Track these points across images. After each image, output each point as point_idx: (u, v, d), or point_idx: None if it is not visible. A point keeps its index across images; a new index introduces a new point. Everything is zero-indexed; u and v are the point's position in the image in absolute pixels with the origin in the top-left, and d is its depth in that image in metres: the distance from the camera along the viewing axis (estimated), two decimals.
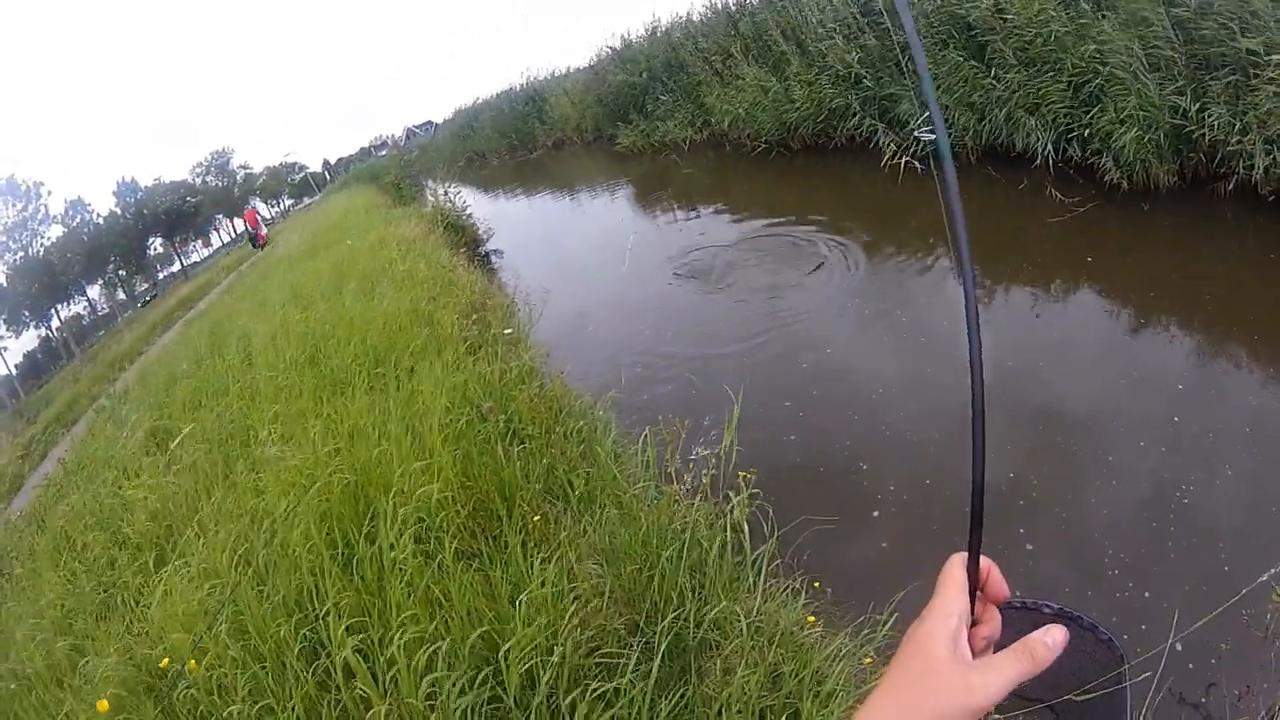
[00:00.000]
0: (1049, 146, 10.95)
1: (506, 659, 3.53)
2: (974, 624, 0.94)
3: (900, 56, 13.34)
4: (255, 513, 5.51)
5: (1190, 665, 3.52)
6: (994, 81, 11.87)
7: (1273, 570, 2.91)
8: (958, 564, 0.95)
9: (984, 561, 0.95)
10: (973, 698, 0.83)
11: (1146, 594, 4.65)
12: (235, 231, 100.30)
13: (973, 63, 12.38)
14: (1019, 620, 1.00)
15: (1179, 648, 3.00)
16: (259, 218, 54.80)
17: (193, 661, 4.02)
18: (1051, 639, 0.87)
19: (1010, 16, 11.65)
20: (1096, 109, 10.32)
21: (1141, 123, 9.57)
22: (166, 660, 4.11)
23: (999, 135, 11.92)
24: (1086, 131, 10.53)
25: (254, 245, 45.35)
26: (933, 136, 1.03)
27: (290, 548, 4.74)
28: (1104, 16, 10.36)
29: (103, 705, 3.90)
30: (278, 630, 4.08)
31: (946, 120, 13.36)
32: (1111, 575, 4.85)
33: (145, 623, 4.88)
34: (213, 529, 5.53)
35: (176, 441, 8.13)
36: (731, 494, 4.73)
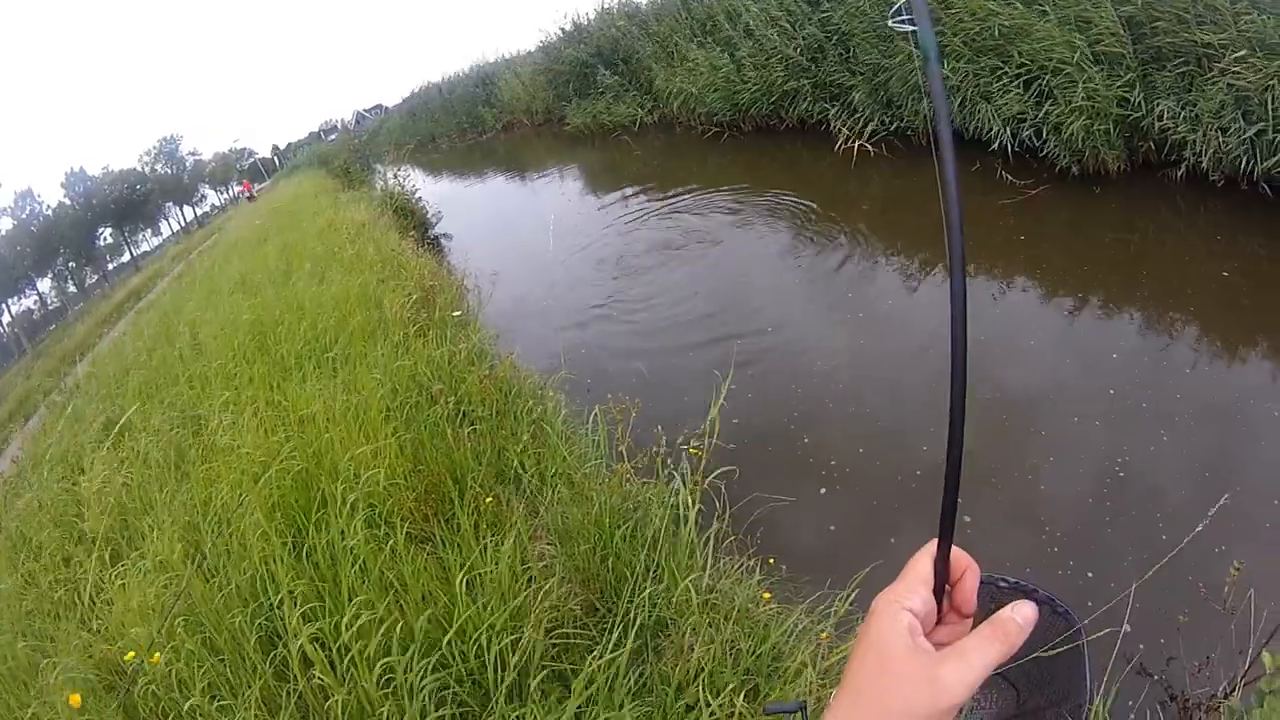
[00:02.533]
0: (1005, 131, 10.99)
1: (463, 642, 3.51)
2: (939, 621, 0.85)
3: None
4: (208, 503, 5.45)
5: (1149, 638, 3.54)
6: (948, 73, 11.81)
7: (1200, 526, 2.93)
8: (924, 555, 0.85)
9: (962, 558, 0.86)
10: (942, 695, 0.74)
11: (1095, 566, 4.72)
12: (185, 220, 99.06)
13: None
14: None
15: (1128, 628, 3.02)
16: (253, 186, 67.94)
17: (156, 656, 3.95)
18: (1022, 616, 0.79)
19: (955, 9, 11.64)
20: (1048, 102, 10.40)
21: (1089, 113, 9.70)
22: (132, 654, 4.02)
23: (953, 120, 11.79)
24: (1038, 119, 10.60)
25: (249, 200, 57.33)
26: (912, 28, 0.81)
27: (242, 537, 4.67)
28: (1044, 14, 10.46)
29: (75, 699, 3.86)
30: (233, 621, 4.02)
31: (898, 106, 13.47)
32: (1056, 549, 4.92)
33: (103, 620, 4.82)
34: (167, 521, 5.45)
35: (126, 433, 8.05)
36: (681, 473, 4.73)
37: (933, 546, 0.85)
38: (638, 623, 3.71)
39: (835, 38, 14.80)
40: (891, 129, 13.59)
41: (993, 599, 0.83)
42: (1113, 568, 4.66)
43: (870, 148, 13.38)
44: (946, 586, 0.85)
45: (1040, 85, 10.56)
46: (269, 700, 3.64)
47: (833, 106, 14.92)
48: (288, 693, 3.63)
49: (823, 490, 5.90)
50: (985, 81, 11.25)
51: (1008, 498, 5.42)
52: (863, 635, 0.81)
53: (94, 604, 5.20)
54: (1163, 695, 3.33)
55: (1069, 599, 4.37)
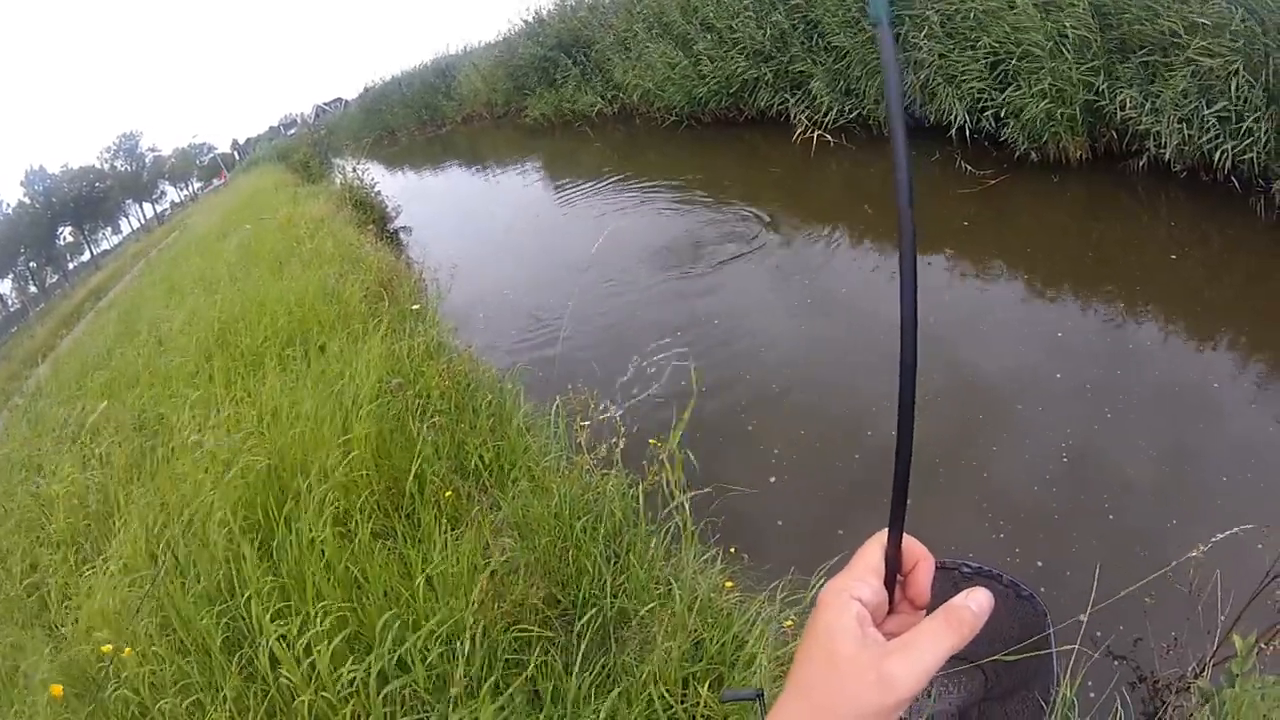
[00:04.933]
0: (964, 116, 11.03)
1: (426, 640, 3.50)
2: (890, 611, 0.80)
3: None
4: (173, 501, 5.41)
5: (1114, 620, 3.56)
6: (913, 51, 11.78)
7: (1205, 546, 2.94)
8: (875, 544, 0.80)
9: (915, 548, 0.81)
10: (890, 690, 0.69)
11: (1048, 550, 4.76)
12: (145, 218, 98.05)
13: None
14: (934, 583, 0.85)
15: (1090, 613, 3.04)
16: (227, 174, 72.21)
17: (129, 649, 3.91)
18: (976, 603, 0.73)
19: None
20: (1011, 87, 10.43)
21: (1054, 97, 9.76)
22: (108, 646, 3.98)
23: (912, 102, 11.87)
24: (999, 105, 10.64)
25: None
26: None
27: (208, 535, 4.64)
28: None
29: (56, 690, 3.83)
30: (201, 621, 3.97)
31: (856, 94, 13.47)
32: (1005, 535, 4.96)
33: (72, 624, 4.78)
34: (133, 522, 5.41)
35: (89, 435, 7.96)
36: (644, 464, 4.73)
37: (883, 535, 0.80)
38: (599, 613, 3.72)
39: (802, 26, 14.73)
40: (851, 115, 13.59)
41: (955, 585, 0.80)
42: (1066, 550, 4.71)
43: (829, 137, 13.39)
44: (899, 577, 0.81)
45: (1006, 68, 10.58)
46: (238, 701, 3.59)
47: (793, 96, 14.94)
48: (255, 693, 3.59)
49: (773, 479, 5.92)
50: (953, 62, 11.26)
51: (958, 483, 5.45)
52: (810, 628, 0.77)
53: (62, 607, 5.15)
54: (1131, 677, 3.33)
55: (1038, 578, 4.44)
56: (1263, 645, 2.73)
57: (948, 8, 11.38)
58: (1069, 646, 2.93)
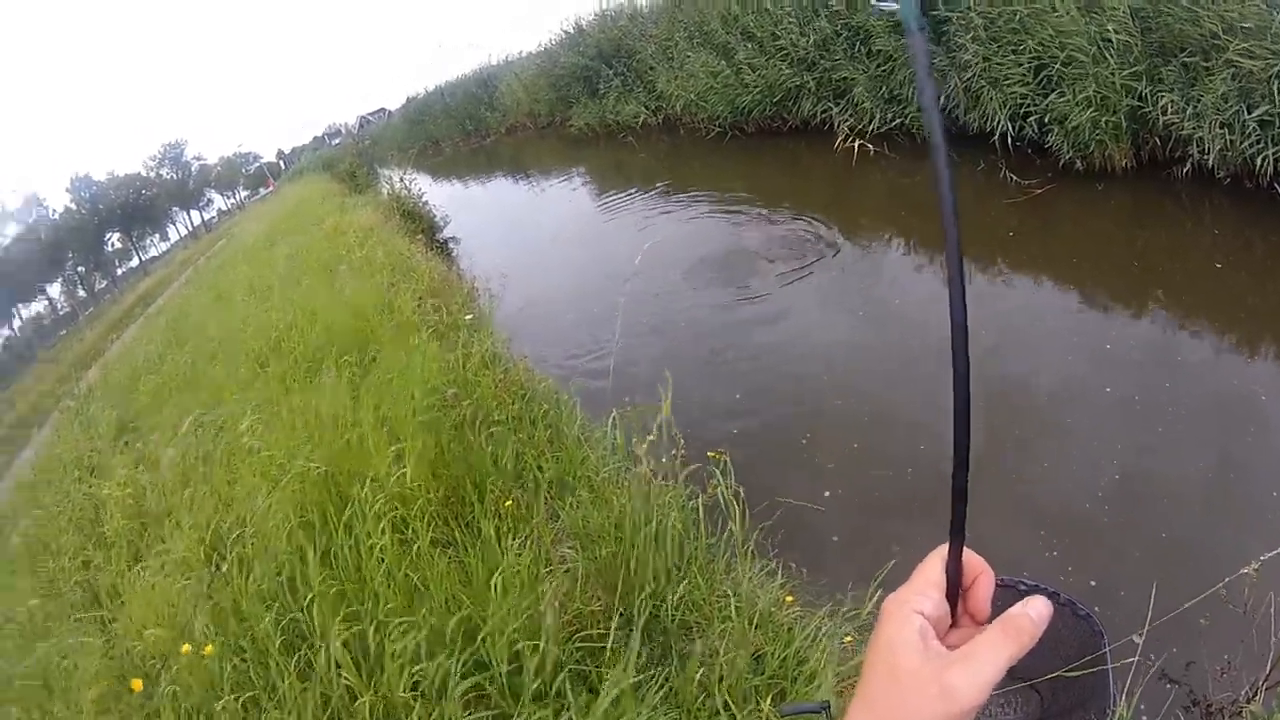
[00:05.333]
0: (1005, 124, 10.87)
1: (488, 643, 3.51)
2: (953, 625, 0.82)
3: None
4: (229, 504, 5.46)
5: (1168, 640, 3.50)
6: (956, 53, 11.66)
7: (1257, 564, 2.89)
8: (936, 558, 0.82)
9: (976, 562, 0.83)
10: (953, 702, 0.70)
11: (1101, 567, 4.70)
12: (192, 225, 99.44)
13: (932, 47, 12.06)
14: (994, 598, 0.85)
15: (1143, 633, 3.00)
16: (273, 182, 75.66)
17: (186, 646, 3.97)
18: (1035, 612, 0.75)
19: None
20: (1054, 93, 10.25)
21: (1098, 104, 9.59)
22: (187, 646, 4.00)
23: (955, 105, 11.77)
24: (1043, 111, 10.47)
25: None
26: (894, 6, 0.79)
27: (266, 539, 4.70)
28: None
29: (136, 684, 3.89)
30: (258, 622, 4.02)
31: (899, 100, 13.40)
32: (1073, 549, 4.87)
33: (121, 620, 4.84)
34: (188, 522, 5.47)
35: (141, 437, 8.07)
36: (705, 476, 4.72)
37: (944, 550, 0.82)
38: (660, 627, 3.71)
39: (845, 33, 14.66)
40: (893, 123, 13.50)
41: (1007, 603, 0.81)
42: (1119, 567, 4.64)
43: (871, 146, 13.30)
44: (960, 591, 0.82)
45: (1049, 73, 10.39)
46: (294, 700, 3.62)
47: (836, 105, 14.83)
48: (311, 693, 3.62)
49: (827, 493, 5.88)
50: (996, 65, 11.08)
51: (1010, 497, 5.38)
52: (873, 640, 0.79)
53: (111, 605, 5.24)
54: (1185, 700, 3.26)
55: (1093, 596, 4.36)
56: None
57: (991, 10, 11.20)
58: (1130, 660, 2.90)
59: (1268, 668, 3.02)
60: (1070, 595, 1.07)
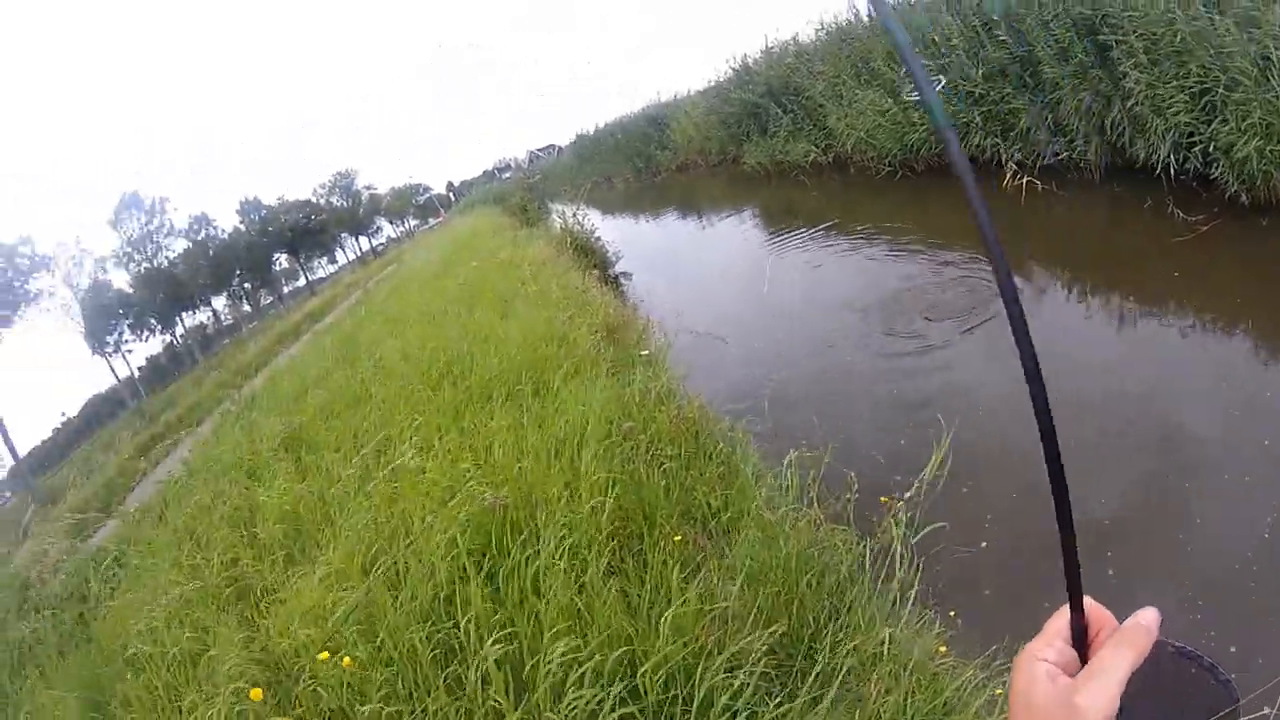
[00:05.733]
0: (1169, 156, 10.30)
1: (647, 678, 3.55)
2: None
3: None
4: (390, 520, 5.58)
5: None
6: (1120, 79, 11.06)
7: None
8: (1063, 612, 0.91)
9: (1101, 614, 0.91)
10: (1085, 716, 0.80)
11: (1241, 634, 4.43)
12: (360, 250, 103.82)
13: (1096, 71, 11.61)
14: None
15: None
16: (443, 213, 79.26)
17: (324, 654, 4.18)
18: (1145, 617, 0.86)
19: (1135, 11, 10.79)
20: (1217, 120, 9.59)
21: (1263, 131, 8.91)
22: (325, 654, 4.21)
23: (1121, 133, 11.22)
24: (1206, 140, 9.78)
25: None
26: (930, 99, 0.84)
27: (427, 556, 4.82)
28: (1221, 13, 9.54)
29: (256, 693, 4.00)
30: (412, 635, 4.16)
31: (1065, 132, 12.99)
32: (1219, 614, 4.63)
33: (271, 618, 5.06)
34: (346, 534, 5.62)
35: (304, 448, 8.35)
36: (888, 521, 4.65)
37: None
38: (835, 672, 3.68)
39: (1018, 61, 14.29)
40: (1060, 157, 13.07)
41: (1155, 664, 0.86)
42: (1263, 634, 4.37)
43: (1038, 182, 12.85)
44: (1088, 641, 0.89)
45: (1212, 99, 9.68)
46: (439, 713, 3.76)
47: (1003, 140, 14.47)
48: (457, 710, 3.75)
49: (985, 543, 5.70)
50: (1160, 93, 10.43)
51: (1158, 555, 5.13)
52: (1010, 694, 0.88)
53: (262, 603, 5.54)
54: None
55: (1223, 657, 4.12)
56: None
57: (1151, 31, 10.59)
58: None
59: None
60: (1213, 659, 0.99)
